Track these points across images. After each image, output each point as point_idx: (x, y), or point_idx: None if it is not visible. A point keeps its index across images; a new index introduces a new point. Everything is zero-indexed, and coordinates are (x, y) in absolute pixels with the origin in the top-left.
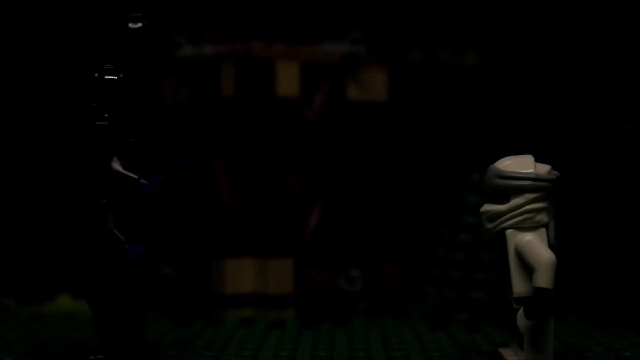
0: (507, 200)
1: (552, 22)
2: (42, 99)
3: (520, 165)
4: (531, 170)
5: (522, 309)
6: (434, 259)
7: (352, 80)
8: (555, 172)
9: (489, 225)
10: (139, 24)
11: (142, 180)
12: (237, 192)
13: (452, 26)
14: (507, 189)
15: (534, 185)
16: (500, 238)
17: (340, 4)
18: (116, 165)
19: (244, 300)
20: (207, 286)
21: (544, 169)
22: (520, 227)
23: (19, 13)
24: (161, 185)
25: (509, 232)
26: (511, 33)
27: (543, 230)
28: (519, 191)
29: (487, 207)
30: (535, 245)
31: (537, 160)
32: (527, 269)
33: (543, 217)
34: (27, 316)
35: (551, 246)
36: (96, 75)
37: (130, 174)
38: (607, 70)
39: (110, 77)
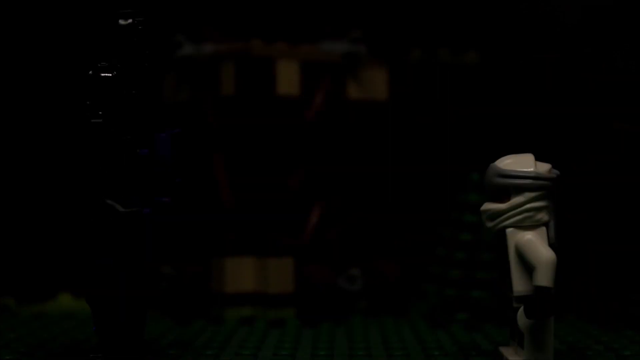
0: (508, 199)
1: (552, 21)
2: (37, 98)
3: (520, 164)
4: (531, 169)
5: (522, 307)
6: (434, 258)
7: (352, 80)
8: (556, 171)
9: (489, 224)
10: (129, 21)
11: (142, 150)
12: (237, 191)
13: (452, 25)
14: (507, 187)
15: (534, 183)
16: (500, 237)
17: (340, 3)
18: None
19: (244, 299)
20: (207, 285)
21: (544, 167)
22: (521, 226)
23: (14, 10)
24: (170, 138)
25: (509, 230)
26: (511, 32)
27: (543, 229)
28: (520, 190)
29: (488, 206)
30: (535, 244)
31: (537, 158)
32: (528, 267)
33: (543, 216)
34: (27, 315)
35: (551, 245)
36: (90, 72)
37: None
38: (607, 69)
39: (104, 74)
